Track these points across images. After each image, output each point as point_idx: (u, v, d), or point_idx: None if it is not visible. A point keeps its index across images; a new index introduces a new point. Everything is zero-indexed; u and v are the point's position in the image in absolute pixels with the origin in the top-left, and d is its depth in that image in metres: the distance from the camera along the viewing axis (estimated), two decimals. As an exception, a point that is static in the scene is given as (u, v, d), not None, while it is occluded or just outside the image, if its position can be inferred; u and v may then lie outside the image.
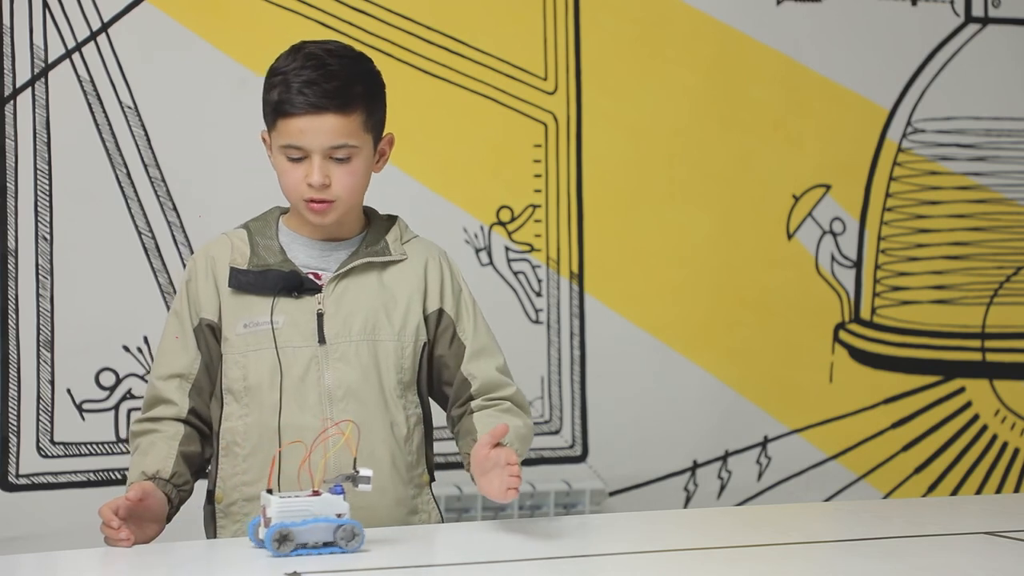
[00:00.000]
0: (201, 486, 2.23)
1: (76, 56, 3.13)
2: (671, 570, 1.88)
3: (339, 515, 1.88)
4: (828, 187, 3.69)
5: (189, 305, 2.20)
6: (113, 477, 3.15)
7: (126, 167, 3.16)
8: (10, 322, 3.08)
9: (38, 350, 3.09)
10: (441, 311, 2.24)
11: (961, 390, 3.82)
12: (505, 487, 1.98)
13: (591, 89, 3.50)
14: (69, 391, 3.12)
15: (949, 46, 3.78)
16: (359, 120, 2.15)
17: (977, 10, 3.80)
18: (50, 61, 3.11)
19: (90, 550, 2.02)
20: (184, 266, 3.16)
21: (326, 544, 1.88)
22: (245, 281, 2.17)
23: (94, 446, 3.14)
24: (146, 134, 3.17)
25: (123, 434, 3.16)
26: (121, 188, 3.16)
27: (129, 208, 3.17)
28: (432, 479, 2.26)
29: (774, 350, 3.65)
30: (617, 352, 3.52)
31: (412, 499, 2.20)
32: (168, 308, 3.16)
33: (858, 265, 3.73)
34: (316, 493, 1.88)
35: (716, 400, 3.59)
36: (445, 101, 3.35)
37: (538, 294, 3.47)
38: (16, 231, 3.09)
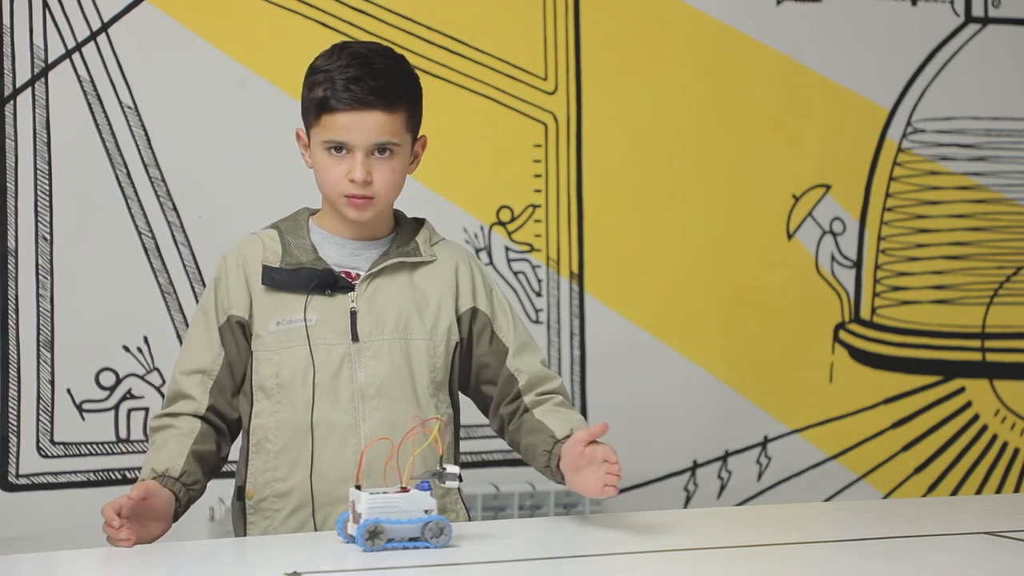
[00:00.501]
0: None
1: (76, 56, 3.13)
2: (671, 570, 1.88)
3: (427, 511, 1.91)
4: (828, 187, 3.69)
5: (217, 302, 2.22)
6: (113, 477, 3.15)
7: (126, 167, 3.16)
8: (10, 322, 3.08)
9: (38, 350, 3.09)
10: (475, 309, 2.26)
11: (961, 390, 3.82)
12: (602, 484, 2.01)
13: (591, 89, 3.50)
14: (69, 391, 3.12)
15: (949, 46, 3.78)
16: (402, 119, 2.18)
17: (977, 10, 3.80)
18: (50, 61, 3.11)
19: (90, 550, 2.02)
20: (184, 266, 3.17)
21: (411, 539, 1.90)
22: (279, 279, 2.19)
23: (94, 446, 3.14)
24: (146, 134, 3.17)
25: (123, 434, 3.16)
26: (121, 188, 3.16)
27: (129, 208, 3.17)
28: (460, 479, 2.27)
29: (774, 350, 3.65)
30: (617, 352, 3.52)
31: (441, 498, 2.21)
32: (168, 308, 3.17)
33: (858, 265, 3.73)
34: (404, 490, 1.91)
35: (716, 400, 3.59)
36: (445, 101, 3.35)
37: (538, 294, 3.47)
38: (16, 231, 3.09)
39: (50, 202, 3.10)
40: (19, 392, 3.09)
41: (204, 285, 3.17)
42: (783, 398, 3.66)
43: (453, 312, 2.25)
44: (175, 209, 3.19)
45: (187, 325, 3.14)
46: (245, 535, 2.20)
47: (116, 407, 3.16)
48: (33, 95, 3.10)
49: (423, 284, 2.24)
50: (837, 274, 3.71)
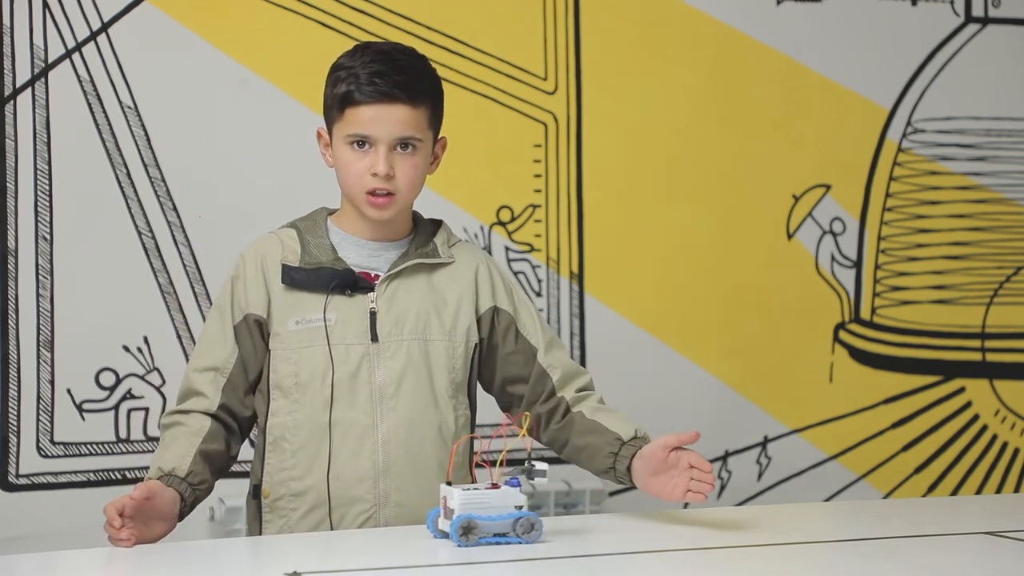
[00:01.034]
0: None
1: (76, 56, 3.13)
2: (671, 570, 1.88)
3: (517, 507, 1.94)
4: (828, 187, 3.69)
5: (233, 300, 2.22)
6: (113, 477, 3.15)
7: (126, 167, 3.16)
8: (10, 322, 3.08)
9: (38, 350, 3.09)
10: (497, 308, 2.28)
11: (961, 390, 3.82)
12: (685, 489, 2.07)
13: (591, 89, 3.50)
14: (69, 391, 3.12)
15: (949, 46, 3.78)
16: (425, 115, 2.19)
17: (977, 10, 3.80)
18: (50, 61, 3.11)
19: (90, 550, 2.02)
20: (184, 266, 3.17)
21: (496, 535, 1.93)
22: (298, 278, 2.19)
23: (94, 446, 3.14)
24: (146, 134, 3.17)
25: (123, 434, 3.16)
26: (121, 188, 3.16)
27: (129, 208, 3.17)
28: (474, 480, 2.28)
29: (774, 350, 3.65)
30: (617, 352, 3.52)
31: None
32: (168, 308, 3.17)
33: (858, 265, 3.73)
34: (495, 486, 1.94)
35: (716, 400, 3.59)
36: (445, 101, 3.35)
37: (538, 294, 3.47)
38: (16, 231, 3.09)
39: (50, 202, 3.10)
40: (19, 392, 3.09)
41: (204, 285, 3.17)
42: (783, 398, 3.66)
43: (472, 313, 2.25)
44: (175, 209, 3.19)
45: (187, 325, 3.15)
46: (260, 534, 2.21)
47: (116, 407, 3.16)
48: (33, 95, 3.10)
49: (442, 285, 2.25)
50: (837, 274, 3.71)
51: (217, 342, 2.22)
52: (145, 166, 3.17)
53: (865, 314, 3.74)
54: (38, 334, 3.09)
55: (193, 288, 3.19)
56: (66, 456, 3.13)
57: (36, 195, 3.10)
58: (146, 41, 3.16)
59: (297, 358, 2.18)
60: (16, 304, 3.09)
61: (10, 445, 3.08)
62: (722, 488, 3.61)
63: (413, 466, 2.17)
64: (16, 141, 3.09)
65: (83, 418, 3.13)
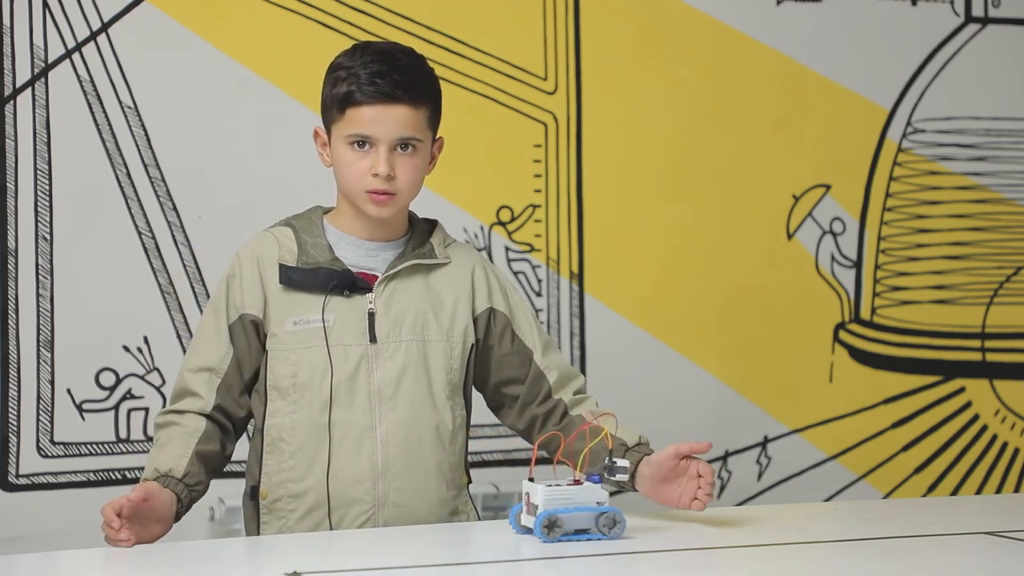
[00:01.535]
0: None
1: (76, 56, 3.13)
2: (671, 570, 1.88)
3: (599, 503, 1.96)
4: (828, 187, 3.69)
5: (229, 300, 2.22)
6: (113, 477, 3.15)
7: (126, 167, 3.16)
8: (10, 322, 3.08)
9: (38, 350, 3.09)
10: (493, 310, 2.27)
11: (961, 390, 3.82)
12: (692, 496, 2.09)
13: (591, 89, 3.50)
14: (69, 391, 3.12)
15: (949, 46, 3.78)
16: (425, 115, 2.19)
17: (977, 10, 3.80)
18: (50, 61, 3.11)
19: (90, 550, 2.02)
20: (184, 266, 3.17)
21: (578, 531, 1.95)
22: (296, 278, 2.19)
23: (94, 446, 3.14)
24: (146, 134, 3.17)
25: (123, 434, 3.16)
26: (121, 188, 3.16)
27: (129, 208, 3.17)
28: (469, 480, 2.28)
29: (774, 350, 3.65)
30: (617, 352, 3.52)
31: (453, 500, 2.22)
32: (168, 308, 3.17)
33: (858, 265, 3.73)
34: (577, 482, 1.96)
35: (716, 400, 3.59)
36: (445, 101, 3.34)
37: (538, 294, 3.47)
38: (16, 231, 3.09)
39: (50, 202, 3.10)
40: (19, 392, 3.09)
41: (204, 285, 3.17)
42: (783, 398, 3.66)
43: (469, 314, 2.25)
44: (175, 209, 3.19)
45: (187, 325, 3.15)
46: (259, 535, 2.20)
47: (116, 407, 3.16)
48: (33, 95, 3.10)
49: (438, 286, 2.25)
50: (837, 274, 3.71)
51: (212, 342, 2.22)
52: (145, 166, 3.17)
53: (865, 314, 3.74)
54: (38, 334, 3.09)
55: (193, 288, 3.19)
56: (66, 456, 3.13)
57: (36, 195, 3.10)
58: (146, 41, 3.16)
59: (295, 359, 2.18)
60: (16, 304, 3.09)
61: (10, 445, 3.09)
62: (722, 488, 3.60)
63: (411, 467, 2.17)
64: (16, 141, 3.09)
65: (83, 418, 3.13)
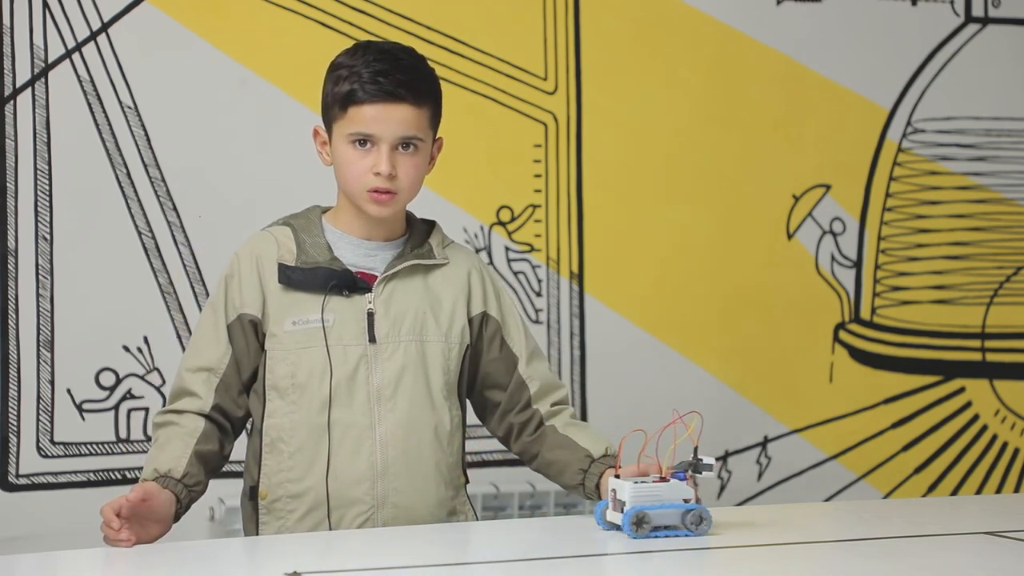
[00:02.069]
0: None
1: (76, 56, 3.13)
2: (671, 570, 1.88)
3: (685, 500, 1.98)
4: (828, 187, 3.69)
5: (227, 300, 2.21)
6: (113, 477, 3.15)
7: (126, 167, 3.16)
8: (10, 322, 3.08)
9: (38, 350, 3.09)
10: (486, 315, 2.28)
11: (961, 390, 3.82)
12: None
13: (591, 89, 3.50)
14: (69, 391, 3.12)
15: (949, 46, 3.78)
16: (427, 114, 2.19)
17: (977, 10, 3.80)
18: (50, 61, 3.11)
19: (90, 550, 2.02)
20: (184, 266, 3.17)
21: (666, 527, 1.96)
22: (295, 278, 2.18)
23: (94, 446, 3.14)
24: (146, 134, 3.17)
25: (123, 434, 3.16)
26: (121, 188, 3.16)
27: (129, 208, 3.17)
28: (467, 480, 2.28)
29: (774, 350, 3.65)
30: (617, 352, 3.52)
31: (451, 500, 2.22)
32: (168, 308, 3.17)
33: (858, 265, 3.73)
34: (664, 479, 1.98)
35: (716, 400, 3.59)
36: (445, 101, 3.34)
37: (538, 294, 3.47)
38: (16, 231, 3.09)
39: (50, 202, 3.10)
40: (19, 392, 3.09)
41: (204, 285, 3.17)
42: (783, 398, 3.66)
43: (465, 315, 2.26)
44: (175, 209, 3.19)
45: (187, 325, 3.15)
46: (257, 535, 2.20)
47: (116, 407, 3.16)
48: (33, 95, 3.10)
49: (436, 287, 2.24)
50: (837, 274, 3.71)
51: (210, 341, 2.21)
52: (145, 166, 3.17)
53: (865, 314, 3.74)
54: (38, 334, 3.09)
55: (193, 288, 3.19)
56: (66, 456, 3.13)
57: (36, 195, 3.10)
58: (146, 41, 3.16)
59: (295, 359, 2.17)
60: (16, 304, 3.09)
61: (10, 445, 3.08)
62: (722, 488, 3.61)
63: (410, 467, 2.17)
64: (16, 141, 3.09)
65: (83, 418, 3.13)
